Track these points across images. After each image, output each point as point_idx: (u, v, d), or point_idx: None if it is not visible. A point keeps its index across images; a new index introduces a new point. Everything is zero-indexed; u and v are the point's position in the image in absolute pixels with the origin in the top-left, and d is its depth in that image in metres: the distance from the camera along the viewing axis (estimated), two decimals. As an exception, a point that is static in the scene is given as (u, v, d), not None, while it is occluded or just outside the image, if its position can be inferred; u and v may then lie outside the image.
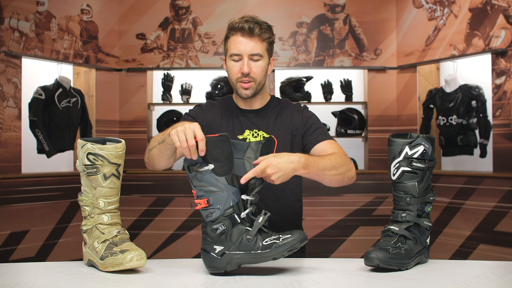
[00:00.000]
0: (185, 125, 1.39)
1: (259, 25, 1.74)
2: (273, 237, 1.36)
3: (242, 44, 1.74)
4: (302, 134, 1.84)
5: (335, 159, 1.62)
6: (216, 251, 1.38)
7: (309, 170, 1.53)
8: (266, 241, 1.35)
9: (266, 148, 1.44)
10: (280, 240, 1.34)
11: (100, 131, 4.65)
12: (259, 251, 1.35)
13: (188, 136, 1.36)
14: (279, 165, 1.43)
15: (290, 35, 4.81)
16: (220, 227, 1.37)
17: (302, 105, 1.92)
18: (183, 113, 1.97)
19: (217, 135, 1.38)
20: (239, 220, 1.38)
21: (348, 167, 1.65)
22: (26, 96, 4.13)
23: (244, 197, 1.39)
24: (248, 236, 1.36)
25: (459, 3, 4.28)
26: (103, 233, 1.44)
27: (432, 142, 1.48)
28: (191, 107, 1.97)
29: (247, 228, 1.37)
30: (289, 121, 1.85)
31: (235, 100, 1.90)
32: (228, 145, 1.37)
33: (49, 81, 4.26)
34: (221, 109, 1.89)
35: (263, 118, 1.86)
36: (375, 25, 4.82)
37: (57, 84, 4.24)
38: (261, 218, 1.37)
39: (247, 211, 1.38)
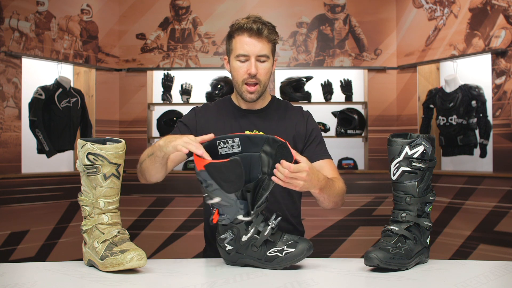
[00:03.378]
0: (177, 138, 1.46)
1: (267, 26, 1.73)
2: (278, 248, 1.40)
3: (250, 44, 1.72)
4: (304, 142, 1.84)
5: (341, 190, 1.71)
6: (227, 249, 1.45)
7: (321, 192, 1.58)
8: (270, 252, 1.40)
9: (281, 155, 1.43)
10: (283, 254, 1.39)
11: (100, 131, 4.65)
12: (263, 261, 1.41)
13: (185, 139, 1.43)
14: (312, 178, 1.47)
15: (290, 35, 4.81)
16: (228, 236, 1.44)
17: (305, 110, 1.92)
18: (183, 114, 1.98)
19: (227, 160, 1.36)
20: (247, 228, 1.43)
21: (344, 197, 1.76)
22: (26, 96, 4.12)
23: (241, 218, 1.41)
24: (254, 247, 1.41)
25: (459, 3, 4.28)
26: (103, 233, 1.43)
27: (432, 142, 1.48)
28: (191, 107, 1.97)
29: (255, 236, 1.41)
30: (293, 125, 1.85)
31: (235, 101, 1.89)
32: (239, 168, 1.35)
33: (49, 81, 4.26)
34: (217, 111, 1.88)
35: (264, 119, 1.85)
36: (375, 25, 4.82)
37: (57, 84, 4.24)
38: (267, 230, 1.41)
39: (248, 235, 1.41)
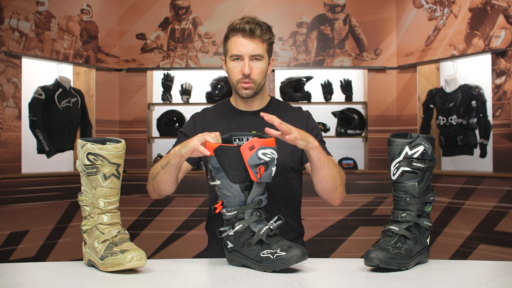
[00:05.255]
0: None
1: (260, 26, 1.75)
2: (271, 250, 1.39)
3: (243, 45, 1.74)
4: None
5: (339, 170, 1.71)
6: (228, 247, 1.48)
7: (320, 154, 1.59)
8: (264, 253, 1.39)
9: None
10: (274, 256, 1.37)
11: (100, 131, 4.65)
12: (255, 261, 1.41)
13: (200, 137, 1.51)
14: (305, 135, 1.54)
15: (290, 35, 4.81)
16: (226, 230, 1.45)
17: (305, 110, 1.93)
18: (183, 114, 1.98)
19: (235, 145, 1.43)
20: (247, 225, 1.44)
21: (343, 183, 1.73)
22: (26, 96, 4.12)
23: (223, 211, 1.46)
24: (250, 245, 1.42)
25: (459, 3, 4.28)
26: (103, 233, 1.44)
27: (432, 142, 1.48)
28: (191, 107, 1.98)
29: (252, 235, 1.43)
30: (294, 125, 1.85)
31: (234, 102, 1.90)
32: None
33: (49, 81, 4.26)
34: (216, 114, 1.89)
35: (263, 119, 1.85)
36: (375, 25, 4.82)
37: (57, 84, 4.24)
38: (263, 230, 1.41)
39: (235, 229, 1.43)
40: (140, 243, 1.54)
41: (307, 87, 4.72)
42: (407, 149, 1.46)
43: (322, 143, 1.86)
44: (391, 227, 1.46)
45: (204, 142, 1.48)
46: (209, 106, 1.99)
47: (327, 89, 4.75)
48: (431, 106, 4.41)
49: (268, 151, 1.40)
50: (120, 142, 1.47)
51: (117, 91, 4.81)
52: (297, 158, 1.84)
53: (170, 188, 1.72)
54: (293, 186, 1.86)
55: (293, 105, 1.96)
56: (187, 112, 4.64)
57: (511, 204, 3.81)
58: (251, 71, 1.76)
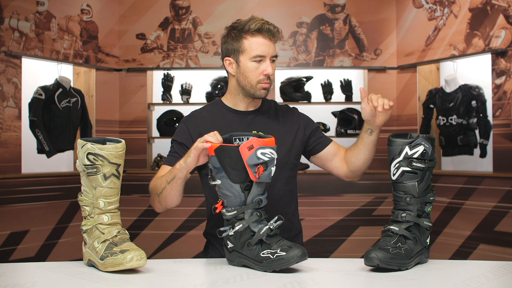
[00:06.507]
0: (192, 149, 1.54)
1: (277, 28, 1.78)
2: (271, 250, 1.38)
3: (266, 46, 1.75)
4: (306, 137, 1.88)
5: None
6: (228, 247, 1.47)
7: (377, 138, 1.79)
8: (263, 253, 1.39)
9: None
10: (274, 256, 1.37)
11: (100, 131, 4.65)
12: (255, 261, 1.40)
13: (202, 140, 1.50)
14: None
15: (290, 35, 4.81)
16: (227, 230, 1.45)
17: (292, 107, 1.97)
18: (183, 114, 1.98)
19: (236, 145, 1.43)
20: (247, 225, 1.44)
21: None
22: (26, 96, 4.12)
23: (223, 211, 1.46)
24: (250, 245, 1.42)
25: (459, 3, 4.28)
26: (103, 233, 1.44)
27: (432, 142, 1.48)
28: (191, 107, 1.97)
29: (252, 235, 1.42)
30: (288, 123, 1.88)
31: (232, 103, 1.87)
32: None
33: (49, 81, 4.26)
34: (209, 117, 1.86)
35: (261, 118, 1.86)
36: (375, 25, 4.82)
37: (57, 84, 4.24)
38: (263, 230, 1.41)
39: (235, 229, 1.43)
40: (140, 243, 1.54)
41: (307, 87, 4.72)
42: (407, 149, 1.47)
43: (319, 130, 1.93)
44: (391, 227, 1.47)
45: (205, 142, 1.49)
46: (197, 108, 1.96)
47: (327, 89, 4.75)
48: (431, 106, 4.41)
49: (267, 151, 1.40)
50: (120, 142, 1.47)
51: (117, 91, 4.81)
52: (297, 154, 1.86)
53: (178, 200, 1.72)
54: (294, 182, 1.89)
55: (282, 104, 1.99)
56: (187, 112, 4.63)
57: (511, 204, 3.81)
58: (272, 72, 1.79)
